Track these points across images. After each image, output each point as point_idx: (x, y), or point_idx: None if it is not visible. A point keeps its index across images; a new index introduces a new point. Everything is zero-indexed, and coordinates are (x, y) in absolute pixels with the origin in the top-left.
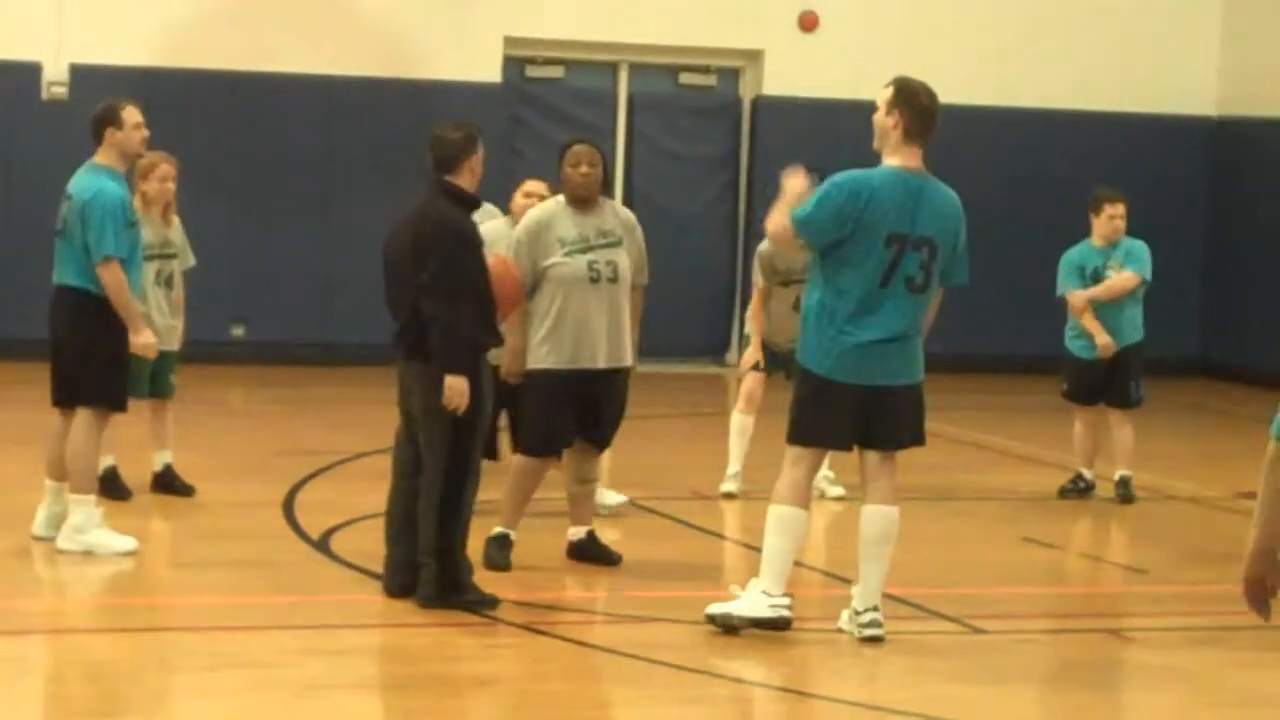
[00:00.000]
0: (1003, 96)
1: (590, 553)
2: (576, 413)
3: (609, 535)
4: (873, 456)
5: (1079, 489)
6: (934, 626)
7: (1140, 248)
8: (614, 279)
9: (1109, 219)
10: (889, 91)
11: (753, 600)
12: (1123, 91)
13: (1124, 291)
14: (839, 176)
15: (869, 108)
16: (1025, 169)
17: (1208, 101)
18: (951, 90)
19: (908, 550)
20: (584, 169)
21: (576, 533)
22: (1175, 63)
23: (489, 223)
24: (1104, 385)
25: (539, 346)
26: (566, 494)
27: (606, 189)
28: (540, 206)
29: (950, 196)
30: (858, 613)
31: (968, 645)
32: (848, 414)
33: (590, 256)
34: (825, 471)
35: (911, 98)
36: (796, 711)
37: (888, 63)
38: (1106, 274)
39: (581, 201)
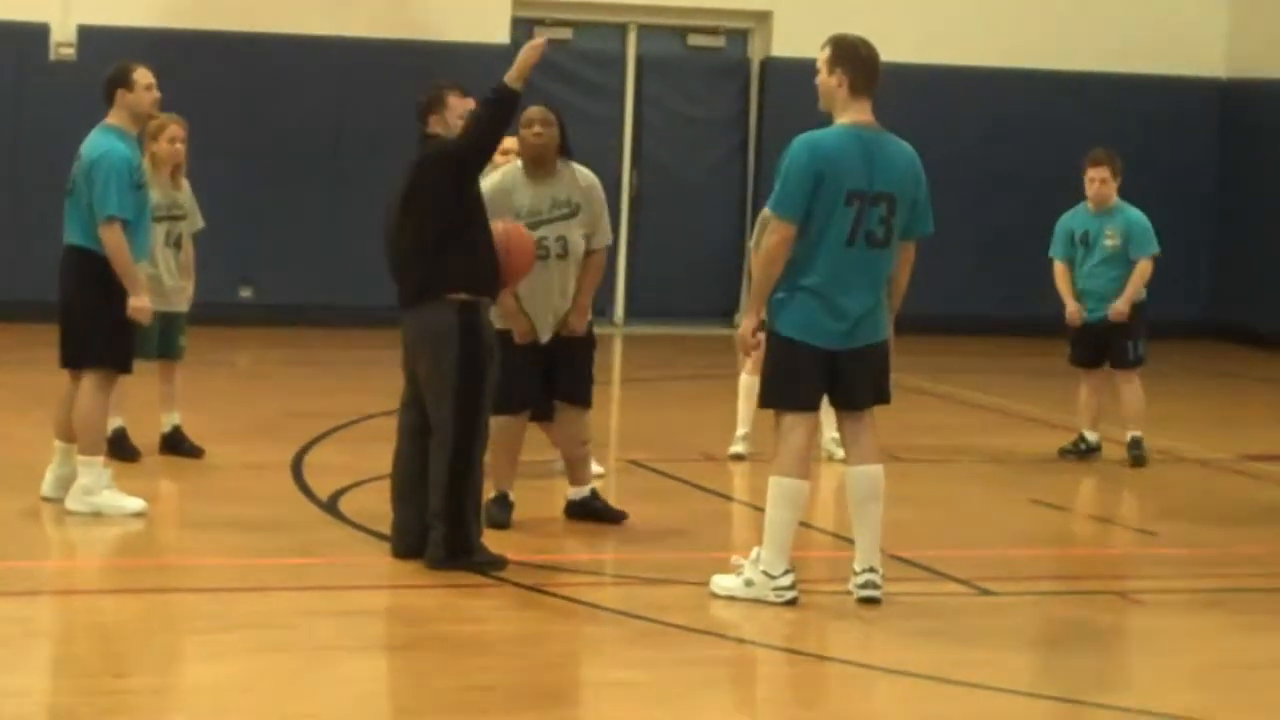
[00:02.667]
0: (1009, 58)
1: (593, 511)
2: (541, 372)
3: (615, 497)
4: (848, 418)
5: (1079, 450)
6: (942, 588)
7: (1139, 226)
8: (563, 255)
9: (1089, 182)
10: (827, 51)
11: (756, 585)
12: (1130, 53)
13: (1145, 279)
14: (792, 142)
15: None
16: (1030, 131)
17: (1216, 63)
18: (957, 51)
19: (915, 512)
20: (536, 129)
21: (578, 492)
22: (1183, 24)
23: None
24: (1104, 348)
25: (491, 310)
26: (563, 458)
27: (565, 152)
28: (500, 172)
29: (905, 149)
30: (855, 573)
31: (975, 607)
32: (818, 376)
33: (540, 233)
34: (832, 434)
35: (851, 52)
36: (804, 673)
37: (896, 24)
38: (1103, 241)
39: (536, 165)
